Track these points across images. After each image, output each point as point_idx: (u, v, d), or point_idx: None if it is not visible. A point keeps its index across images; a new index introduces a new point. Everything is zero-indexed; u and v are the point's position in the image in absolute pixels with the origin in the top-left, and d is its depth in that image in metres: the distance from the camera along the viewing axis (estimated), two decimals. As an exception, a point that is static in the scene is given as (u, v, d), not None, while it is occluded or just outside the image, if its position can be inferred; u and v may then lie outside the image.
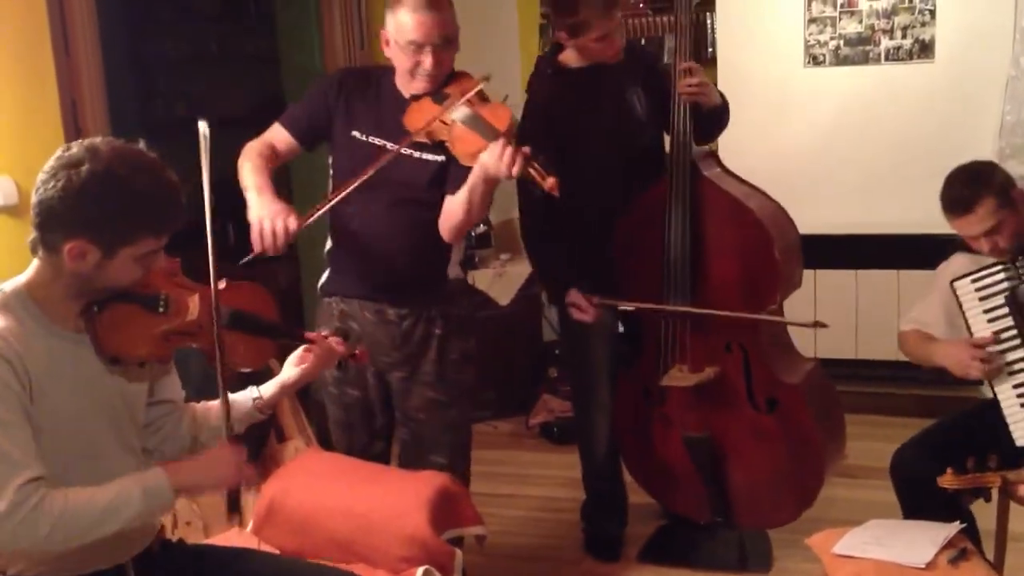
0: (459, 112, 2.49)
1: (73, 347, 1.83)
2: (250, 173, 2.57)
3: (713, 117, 3.00)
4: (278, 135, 2.71)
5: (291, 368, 2.18)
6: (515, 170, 2.34)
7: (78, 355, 1.83)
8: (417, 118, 2.57)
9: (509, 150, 2.35)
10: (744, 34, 4.59)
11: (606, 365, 3.22)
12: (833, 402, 3.03)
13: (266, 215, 2.43)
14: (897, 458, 2.73)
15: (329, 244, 2.80)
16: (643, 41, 4.76)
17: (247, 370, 2.10)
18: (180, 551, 2.11)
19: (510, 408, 4.82)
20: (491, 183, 2.46)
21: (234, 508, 1.90)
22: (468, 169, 2.48)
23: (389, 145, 2.60)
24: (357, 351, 2.25)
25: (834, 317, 4.41)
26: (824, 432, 2.88)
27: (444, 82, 2.60)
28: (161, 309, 1.87)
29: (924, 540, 2.31)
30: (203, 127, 1.83)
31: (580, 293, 3.02)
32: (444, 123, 2.51)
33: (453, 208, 2.56)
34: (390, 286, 2.67)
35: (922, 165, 4.40)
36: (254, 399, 2.13)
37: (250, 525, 2.55)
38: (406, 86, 2.64)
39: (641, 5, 4.89)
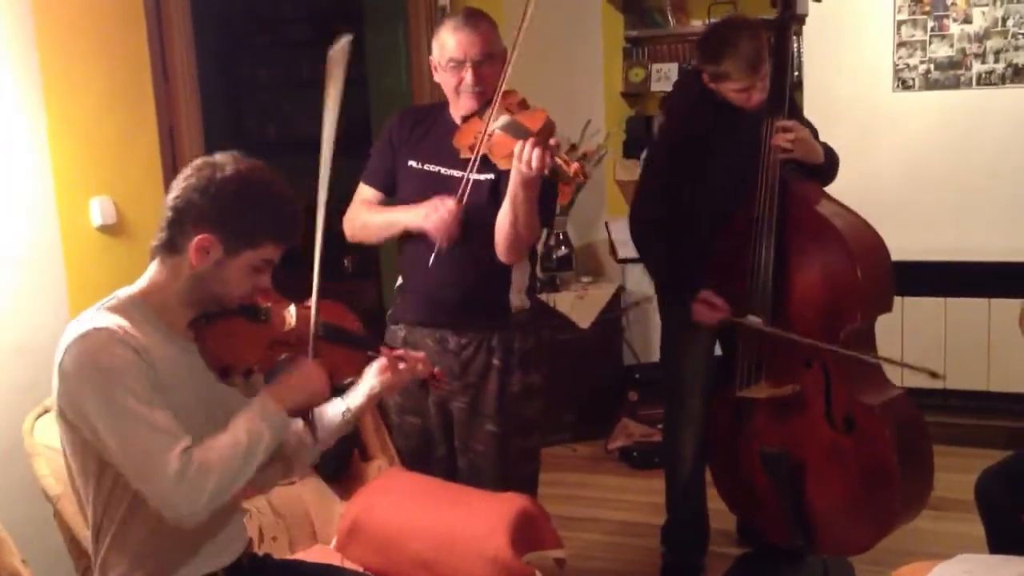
0: (499, 121, 2.49)
1: (185, 354, 1.89)
2: (376, 214, 2.71)
3: (816, 173, 3.01)
4: (365, 193, 2.78)
5: (374, 378, 2.20)
6: (542, 164, 2.32)
7: (190, 362, 1.89)
8: (464, 137, 2.59)
9: (536, 147, 2.33)
10: (831, 58, 4.55)
11: (700, 383, 3.21)
12: (918, 436, 2.96)
13: (426, 211, 2.55)
14: (979, 485, 2.69)
15: (400, 280, 2.83)
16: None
17: (338, 382, 2.15)
18: (267, 565, 2.15)
19: (589, 431, 4.81)
20: (528, 186, 2.42)
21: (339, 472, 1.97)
22: None
23: (442, 170, 2.63)
24: (436, 371, 2.28)
25: (922, 345, 4.37)
26: (902, 461, 2.81)
27: (493, 100, 2.59)
28: (263, 319, 1.95)
29: (1015, 576, 2.25)
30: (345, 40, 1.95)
31: (713, 292, 3.01)
32: (487, 136, 2.52)
33: (500, 222, 2.54)
34: (450, 313, 2.66)
35: (1014, 192, 4.32)
36: (343, 412, 2.17)
37: (334, 542, 2.59)
38: (456, 109, 2.67)
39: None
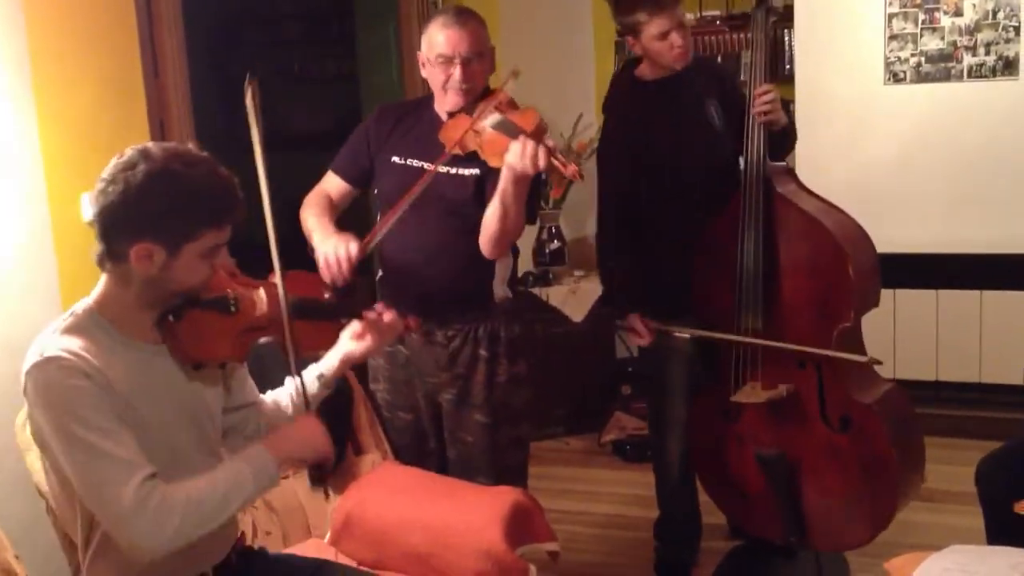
0: (489, 119, 2.51)
1: (150, 358, 1.87)
2: (311, 220, 2.68)
3: (782, 136, 3.01)
4: (330, 182, 2.79)
5: (350, 342, 2.21)
6: (540, 163, 2.34)
7: (156, 365, 1.87)
8: (452, 132, 2.60)
9: (531, 144, 2.34)
10: (823, 51, 4.55)
11: (682, 384, 3.20)
12: (912, 427, 2.97)
13: (328, 248, 2.51)
14: (979, 472, 2.70)
15: (380, 273, 2.83)
16: (719, 58, 4.76)
17: (320, 352, 2.18)
18: (260, 560, 2.15)
19: (582, 425, 4.81)
20: (520, 184, 2.43)
21: (318, 482, 1.97)
22: None
23: (426, 165, 2.62)
24: (410, 321, 2.29)
25: (914, 338, 4.38)
26: (900, 455, 2.82)
27: (479, 98, 2.61)
28: (232, 309, 1.91)
29: (1006, 567, 2.26)
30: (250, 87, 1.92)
31: (639, 317, 3.04)
32: (476, 132, 2.53)
33: (488, 218, 2.55)
34: (435, 306, 2.67)
35: (1005, 184, 4.32)
36: (317, 376, 2.18)
37: (328, 536, 2.59)
38: (442, 105, 2.68)
39: (718, 23, 4.89)
